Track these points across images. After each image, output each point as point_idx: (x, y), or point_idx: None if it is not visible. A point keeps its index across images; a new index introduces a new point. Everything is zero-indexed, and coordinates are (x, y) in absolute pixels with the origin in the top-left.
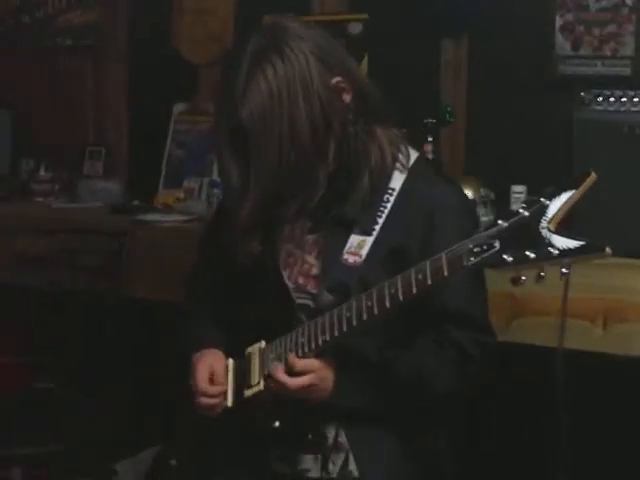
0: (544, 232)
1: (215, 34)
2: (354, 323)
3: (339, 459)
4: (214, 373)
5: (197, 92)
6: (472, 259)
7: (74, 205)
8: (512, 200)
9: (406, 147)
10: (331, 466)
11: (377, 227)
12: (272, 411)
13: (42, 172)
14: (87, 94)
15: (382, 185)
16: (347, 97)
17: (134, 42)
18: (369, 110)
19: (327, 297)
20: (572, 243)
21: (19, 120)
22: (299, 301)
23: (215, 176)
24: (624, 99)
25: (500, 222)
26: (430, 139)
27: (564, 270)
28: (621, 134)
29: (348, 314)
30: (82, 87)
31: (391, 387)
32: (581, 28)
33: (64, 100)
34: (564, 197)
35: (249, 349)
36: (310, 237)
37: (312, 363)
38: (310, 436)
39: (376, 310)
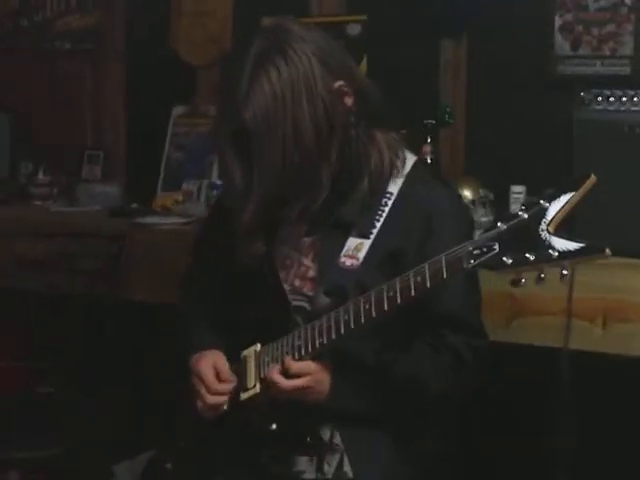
0: (543, 234)
1: (214, 36)
2: (352, 326)
3: (334, 460)
4: (219, 371)
5: (196, 94)
6: (472, 261)
7: (73, 209)
8: (511, 200)
9: (404, 151)
10: (326, 467)
11: (375, 230)
12: (268, 414)
13: (41, 175)
14: (86, 97)
15: (380, 188)
16: (349, 100)
17: (132, 45)
18: (369, 113)
19: (324, 300)
20: (572, 245)
21: (18, 123)
22: (295, 303)
23: (214, 178)
24: (624, 99)
25: (499, 224)
26: (429, 140)
27: (564, 272)
28: (621, 134)
29: (346, 317)
30: (81, 90)
31: (387, 390)
32: (580, 28)
33: (63, 104)
34: (563, 199)
35: (244, 352)
36: (307, 240)
37: (308, 366)
38: (309, 438)
39: (374, 313)
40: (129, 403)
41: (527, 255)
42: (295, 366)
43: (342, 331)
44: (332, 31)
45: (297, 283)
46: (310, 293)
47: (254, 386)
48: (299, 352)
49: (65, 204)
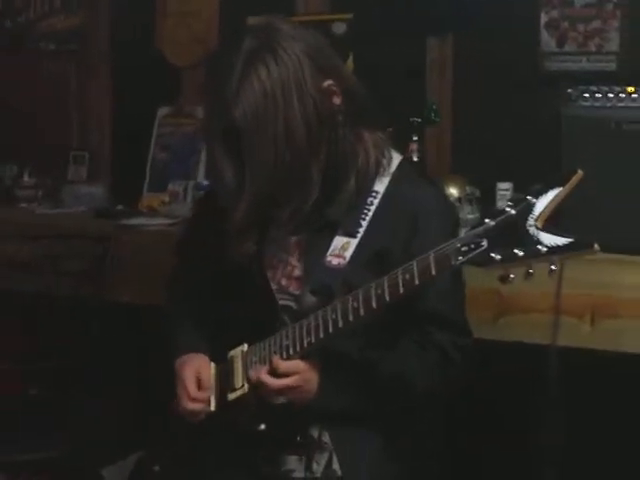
0: (531, 230)
1: (199, 36)
2: (340, 325)
3: (323, 459)
4: (201, 378)
5: (181, 94)
6: (460, 258)
7: (58, 210)
8: (498, 197)
9: (390, 150)
10: (315, 466)
11: (361, 229)
12: (257, 414)
13: (26, 178)
14: (71, 99)
15: (366, 187)
16: (337, 99)
17: (117, 46)
18: (357, 112)
19: (310, 299)
20: (560, 240)
21: (3, 125)
22: (282, 302)
23: (200, 178)
24: (611, 95)
25: (487, 221)
26: (415, 138)
27: (552, 267)
28: (608, 130)
29: (334, 316)
30: (66, 92)
31: (374, 388)
32: (566, 24)
33: (48, 105)
34: (551, 195)
35: (231, 352)
36: (293, 238)
37: (297, 365)
38: (299, 438)
39: (362, 311)
40: (120, 406)
41: (515, 251)
42: (283, 365)
43: (330, 330)
44: (318, 30)
45: (283, 282)
46: (296, 292)
47: (242, 386)
48: (287, 351)
49: (50, 206)
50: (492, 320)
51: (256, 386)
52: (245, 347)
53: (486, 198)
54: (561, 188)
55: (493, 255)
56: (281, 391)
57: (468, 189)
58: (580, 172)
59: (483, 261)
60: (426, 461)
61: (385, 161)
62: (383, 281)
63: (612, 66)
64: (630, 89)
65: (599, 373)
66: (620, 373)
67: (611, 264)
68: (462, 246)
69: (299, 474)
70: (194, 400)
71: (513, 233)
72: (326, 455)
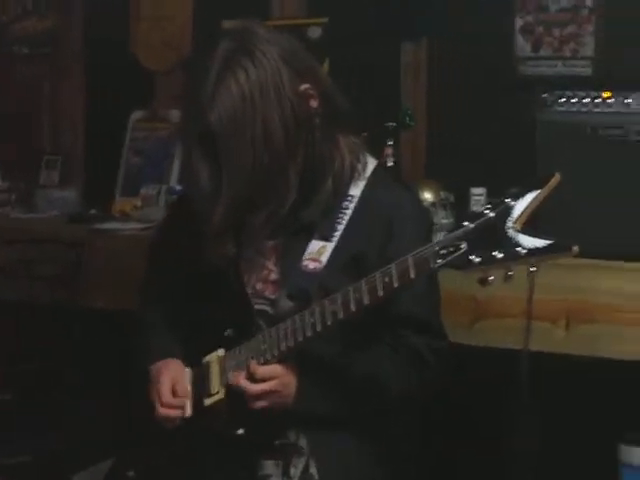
0: (510, 232)
1: (173, 40)
2: (318, 329)
3: (300, 463)
4: (176, 384)
5: (154, 98)
6: (439, 261)
7: (31, 215)
8: (472, 202)
9: (365, 154)
10: (292, 470)
11: (337, 233)
12: (234, 419)
13: None
14: (44, 102)
15: (342, 192)
16: (314, 103)
17: (91, 49)
18: (333, 115)
19: (287, 303)
20: (539, 242)
21: None
22: (257, 307)
23: (173, 183)
24: (586, 100)
25: (466, 223)
26: (390, 142)
27: (532, 269)
28: (584, 135)
29: (312, 320)
30: (39, 95)
31: (349, 390)
32: (541, 29)
33: (21, 109)
34: (529, 197)
35: (207, 358)
36: (269, 243)
37: (275, 369)
38: (277, 442)
39: (341, 315)
40: (94, 411)
41: (495, 253)
42: (261, 370)
43: (309, 334)
44: (293, 34)
45: (259, 286)
46: (272, 296)
47: (218, 392)
48: (264, 356)
49: (24, 210)
50: (468, 325)
51: (233, 391)
52: (221, 352)
53: (460, 203)
54: (539, 191)
55: (472, 258)
56: (260, 396)
57: (442, 194)
58: (557, 175)
59: (462, 264)
60: (403, 464)
61: (360, 166)
62: (361, 284)
63: (587, 71)
64: (606, 94)
65: (574, 378)
66: (595, 378)
67: (586, 269)
68: (441, 249)
69: (276, 479)
70: (169, 406)
71: (492, 236)
72: (303, 459)
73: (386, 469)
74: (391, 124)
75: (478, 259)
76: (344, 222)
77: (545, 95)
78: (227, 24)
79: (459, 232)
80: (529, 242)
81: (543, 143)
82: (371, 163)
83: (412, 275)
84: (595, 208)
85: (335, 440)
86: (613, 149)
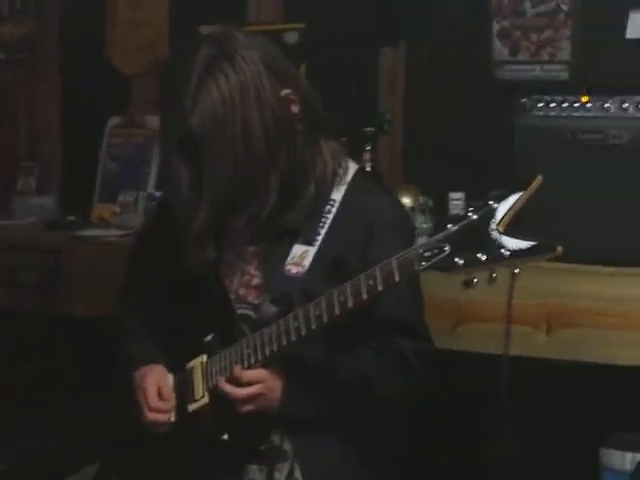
0: (494, 234)
1: (149, 45)
2: (302, 332)
3: (285, 468)
4: (162, 389)
5: (131, 103)
6: (423, 263)
7: (9, 222)
8: (451, 207)
9: (345, 160)
10: (277, 475)
11: (319, 238)
12: (219, 424)
13: None
14: (20, 108)
15: (324, 196)
16: (295, 108)
17: (67, 54)
18: (314, 121)
19: (270, 308)
20: (523, 244)
21: None
22: (240, 312)
23: (151, 189)
24: (565, 104)
25: (449, 226)
26: (368, 147)
27: (516, 271)
28: (564, 140)
29: (296, 323)
30: (15, 102)
31: (333, 393)
32: (518, 34)
33: None
34: (512, 199)
35: (190, 363)
36: (251, 248)
37: (260, 373)
38: (262, 447)
39: (325, 318)
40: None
41: (478, 255)
42: (246, 375)
43: (293, 338)
44: (270, 39)
45: (241, 292)
46: (255, 301)
47: (202, 397)
48: (249, 360)
49: (1, 217)
50: (450, 329)
51: (218, 396)
52: (204, 358)
53: (439, 208)
54: (522, 192)
55: (456, 260)
56: (245, 401)
57: (421, 199)
58: (539, 177)
59: (446, 266)
60: (388, 467)
61: (341, 170)
62: (345, 288)
63: (565, 75)
64: (585, 98)
65: (556, 382)
66: (576, 382)
67: (566, 274)
68: (425, 251)
69: None
70: (156, 411)
71: (475, 238)
72: (288, 464)
73: (371, 472)
74: (369, 129)
75: (462, 261)
76: (326, 226)
77: (524, 100)
78: (205, 29)
79: (442, 235)
80: (513, 244)
81: (522, 148)
82: (352, 168)
83: (396, 278)
84: (574, 213)
85: (319, 443)
86: (592, 153)
